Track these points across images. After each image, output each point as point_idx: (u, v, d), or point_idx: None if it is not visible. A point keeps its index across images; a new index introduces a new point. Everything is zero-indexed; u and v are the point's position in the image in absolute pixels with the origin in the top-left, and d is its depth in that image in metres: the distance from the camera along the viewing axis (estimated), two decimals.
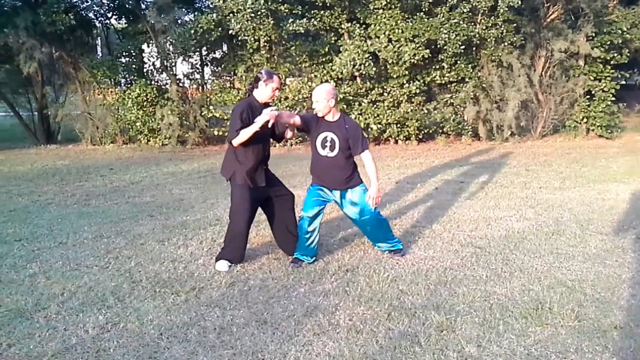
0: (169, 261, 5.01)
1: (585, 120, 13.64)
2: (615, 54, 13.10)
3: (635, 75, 15.04)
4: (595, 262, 4.92)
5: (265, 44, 12.35)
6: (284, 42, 12.88)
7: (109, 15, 15.65)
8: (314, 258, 4.99)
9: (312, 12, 12.56)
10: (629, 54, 13.28)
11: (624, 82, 14.52)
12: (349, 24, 12.60)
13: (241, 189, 4.75)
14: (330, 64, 12.56)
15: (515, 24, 12.47)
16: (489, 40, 12.11)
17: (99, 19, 15.61)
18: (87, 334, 3.63)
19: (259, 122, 4.51)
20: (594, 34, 12.89)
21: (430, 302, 4.08)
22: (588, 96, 13.64)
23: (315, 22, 12.40)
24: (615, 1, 13.43)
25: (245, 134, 4.54)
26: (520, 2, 11.16)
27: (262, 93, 4.84)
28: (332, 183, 4.99)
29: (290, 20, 12.19)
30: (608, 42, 12.87)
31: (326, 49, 12.84)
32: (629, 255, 5.09)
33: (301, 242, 4.95)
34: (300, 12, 12.39)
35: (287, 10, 12.10)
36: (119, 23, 16.40)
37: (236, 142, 4.59)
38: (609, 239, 5.61)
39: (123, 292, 4.31)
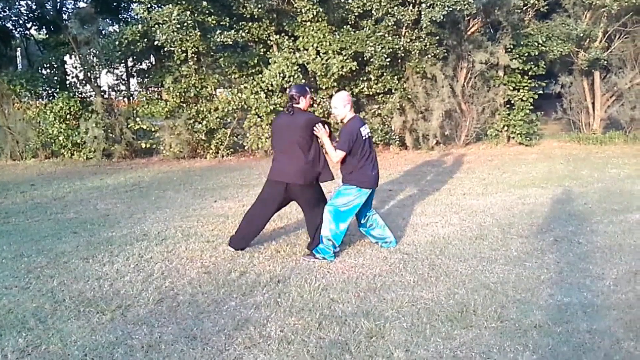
0: (94, 279, 4.85)
1: (505, 128, 14.25)
2: (533, 65, 13.76)
3: (552, 85, 15.86)
4: (516, 264, 5.14)
5: (193, 55, 12.22)
6: (212, 53, 12.78)
7: (29, 25, 15.04)
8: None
9: (240, 23, 12.54)
10: (545, 65, 13.98)
11: (541, 92, 15.28)
12: (278, 36, 12.66)
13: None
14: (260, 75, 12.57)
15: (438, 37, 12.87)
16: (413, 52, 12.45)
17: (18, 29, 14.96)
18: (5, 358, 3.46)
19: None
20: (512, 46, 13.51)
21: (360, 309, 4.14)
22: (508, 105, 14.27)
23: (243, 34, 12.38)
24: (531, 15, 14.12)
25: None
26: (442, 16, 11.54)
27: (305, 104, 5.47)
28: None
29: (218, 31, 12.11)
30: (525, 54, 13.50)
31: (255, 61, 12.83)
32: (547, 257, 5.35)
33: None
34: (228, 24, 12.33)
35: (214, 22, 12.03)
36: (39, 34, 15.78)
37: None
38: (528, 241, 5.87)
39: (45, 313, 4.14)
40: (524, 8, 13.63)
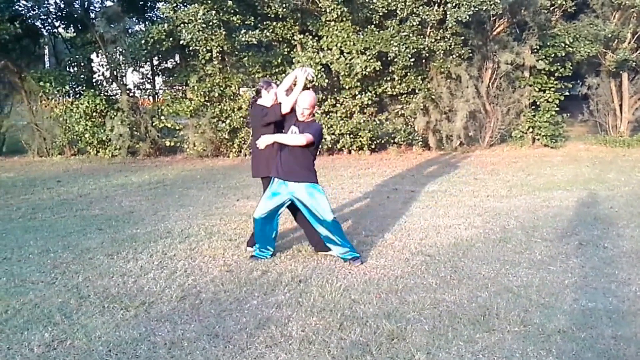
0: (118, 275, 4.92)
1: (530, 129, 14.09)
2: (559, 66, 13.58)
3: (579, 86, 15.63)
4: (540, 268, 5.07)
5: (218, 54, 12.30)
6: (236, 53, 12.85)
7: (57, 24, 15.27)
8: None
9: (265, 23, 12.60)
10: (571, 66, 13.79)
11: (567, 93, 15.06)
12: (302, 36, 12.69)
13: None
14: (284, 75, 12.59)
15: (463, 37, 12.79)
16: (438, 52, 12.38)
17: (47, 28, 15.19)
18: (32, 352, 3.53)
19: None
20: (538, 47, 13.36)
21: (382, 310, 4.13)
22: (533, 107, 14.10)
23: (267, 34, 12.44)
24: (558, 15, 13.93)
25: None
26: (468, 16, 11.45)
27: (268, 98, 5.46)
28: (286, 172, 5.17)
29: (243, 31, 12.18)
30: (552, 55, 13.33)
31: (279, 60, 12.88)
32: (572, 261, 5.27)
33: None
34: (252, 23, 12.40)
35: (239, 21, 12.10)
36: (67, 32, 16.02)
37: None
38: (553, 245, 5.79)
39: (70, 308, 4.20)
40: (551, 8, 13.46)
